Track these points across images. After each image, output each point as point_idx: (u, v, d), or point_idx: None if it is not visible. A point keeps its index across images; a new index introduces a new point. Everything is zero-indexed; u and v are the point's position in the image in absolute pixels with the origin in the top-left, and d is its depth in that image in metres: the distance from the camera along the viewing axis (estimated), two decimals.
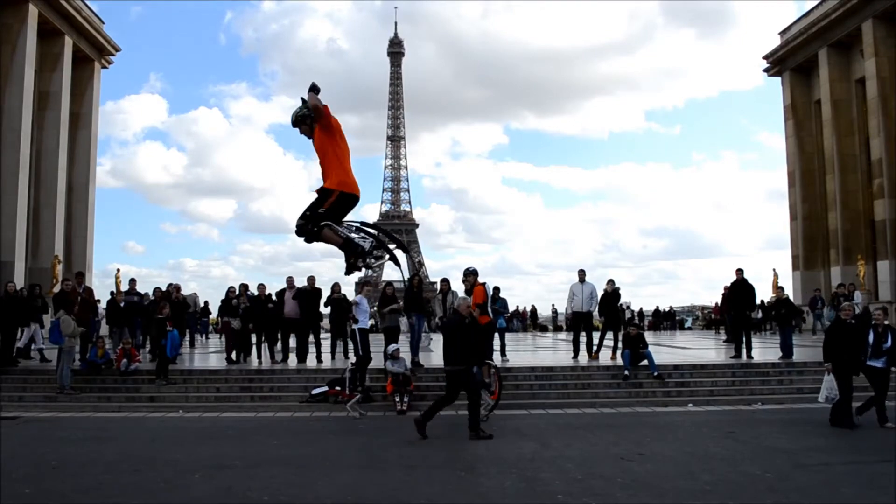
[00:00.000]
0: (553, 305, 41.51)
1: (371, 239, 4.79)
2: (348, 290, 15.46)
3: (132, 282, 16.05)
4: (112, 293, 16.61)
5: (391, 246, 4.89)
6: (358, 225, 4.86)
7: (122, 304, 14.97)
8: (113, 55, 36.03)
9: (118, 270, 28.76)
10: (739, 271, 14.38)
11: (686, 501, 5.73)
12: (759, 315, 27.71)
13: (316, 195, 4.76)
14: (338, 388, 11.49)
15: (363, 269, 4.85)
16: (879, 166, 29.75)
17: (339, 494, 5.94)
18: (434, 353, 15.00)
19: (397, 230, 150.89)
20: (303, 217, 4.72)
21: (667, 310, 40.02)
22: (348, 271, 4.80)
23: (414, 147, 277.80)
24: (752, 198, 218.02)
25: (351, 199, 4.78)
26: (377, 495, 5.99)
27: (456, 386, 8.86)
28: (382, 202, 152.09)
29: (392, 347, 11.92)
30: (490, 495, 5.89)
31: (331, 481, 6.40)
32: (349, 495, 5.92)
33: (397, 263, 5.00)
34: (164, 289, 15.35)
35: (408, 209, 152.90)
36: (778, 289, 21.09)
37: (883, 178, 29.55)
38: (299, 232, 4.76)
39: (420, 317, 13.53)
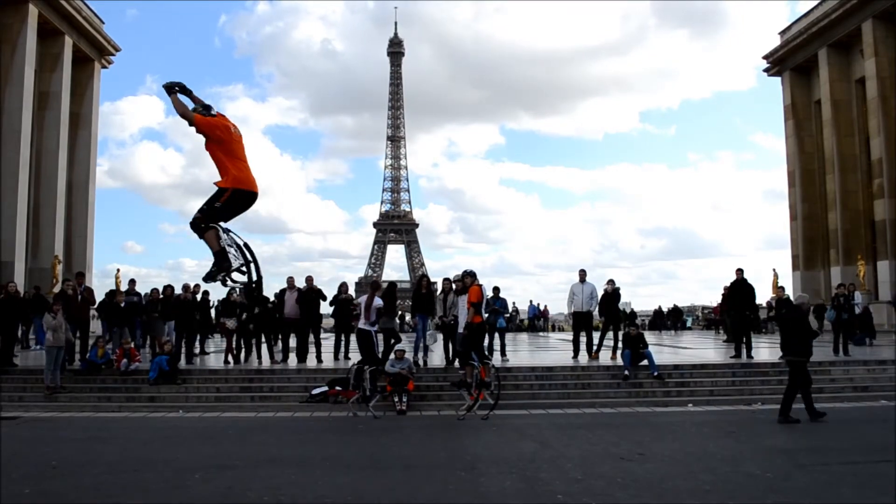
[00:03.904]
0: (514, 303, 41.26)
1: (242, 262, 4.92)
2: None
3: (131, 282, 16.08)
4: (113, 292, 16.67)
5: (253, 277, 5.01)
6: (242, 244, 4.96)
7: (122, 305, 14.99)
8: (113, 55, 35.98)
9: (118, 271, 28.89)
10: (739, 271, 14.38)
11: (686, 501, 5.73)
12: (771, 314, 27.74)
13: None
14: (338, 388, 11.48)
15: (220, 283, 4.98)
16: (879, 166, 29.74)
17: (339, 494, 5.94)
18: (434, 353, 14.99)
19: (398, 230, 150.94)
20: (200, 211, 4.79)
21: (671, 308, 39.77)
22: (207, 278, 4.92)
23: (411, 147, 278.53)
24: (750, 198, 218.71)
25: (248, 196, 4.87)
26: (377, 495, 5.99)
27: (801, 373, 9.66)
28: (382, 202, 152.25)
29: (398, 347, 11.95)
30: (490, 495, 5.89)
31: (331, 481, 6.40)
32: (349, 495, 5.92)
33: (248, 297, 5.06)
34: (177, 290, 15.20)
35: (408, 209, 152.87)
36: (778, 289, 21.08)
37: (883, 178, 29.54)
38: (193, 226, 4.83)
39: (423, 317, 13.56)
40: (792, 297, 14.91)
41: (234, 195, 4.80)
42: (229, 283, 5.00)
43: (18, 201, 28.01)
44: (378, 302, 11.74)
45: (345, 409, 10.83)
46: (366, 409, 10.66)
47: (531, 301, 38.19)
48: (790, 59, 36.44)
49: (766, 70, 38.62)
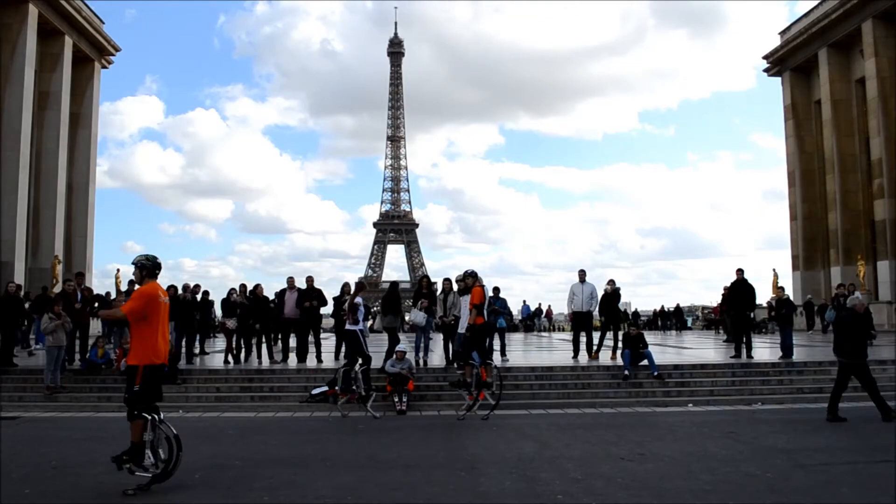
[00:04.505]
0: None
1: (154, 465, 6.06)
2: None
3: (131, 283, 16.12)
4: (106, 293, 16.77)
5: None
6: (172, 435, 6.05)
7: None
8: (113, 55, 35.99)
9: (118, 271, 28.82)
10: (740, 271, 14.37)
11: (686, 501, 5.73)
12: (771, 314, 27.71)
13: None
14: (338, 388, 11.47)
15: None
16: (879, 166, 29.76)
17: (340, 494, 5.94)
18: (434, 353, 14.99)
19: (398, 230, 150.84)
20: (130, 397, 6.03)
21: (674, 308, 39.55)
22: (114, 461, 6.04)
23: (411, 148, 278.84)
24: (749, 198, 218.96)
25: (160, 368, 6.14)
26: (377, 495, 5.99)
27: (847, 375, 9.67)
28: (382, 202, 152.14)
29: (399, 347, 11.93)
30: (490, 495, 5.89)
31: (331, 481, 6.39)
32: (349, 495, 5.91)
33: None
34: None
35: (408, 209, 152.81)
36: (778, 289, 21.07)
37: (883, 178, 29.56)
38: (127, 403, 6.10)
39: (427, 318, 13.55)
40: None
41: (146, 371, 5.95)
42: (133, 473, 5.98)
43: (18, 201, 28.04)
44: (358, 300, 11.76)
45: (342, 410, 10.81)
46: (359, 410, 10.65)
47: (524, 301, 38.08)
48: (790, 60, 36.46)
49: (765, 70, 38.65)
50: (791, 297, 17.40)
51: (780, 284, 27.99)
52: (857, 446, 8.07)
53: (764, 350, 16.51)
